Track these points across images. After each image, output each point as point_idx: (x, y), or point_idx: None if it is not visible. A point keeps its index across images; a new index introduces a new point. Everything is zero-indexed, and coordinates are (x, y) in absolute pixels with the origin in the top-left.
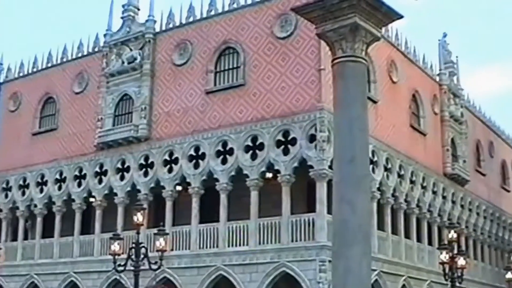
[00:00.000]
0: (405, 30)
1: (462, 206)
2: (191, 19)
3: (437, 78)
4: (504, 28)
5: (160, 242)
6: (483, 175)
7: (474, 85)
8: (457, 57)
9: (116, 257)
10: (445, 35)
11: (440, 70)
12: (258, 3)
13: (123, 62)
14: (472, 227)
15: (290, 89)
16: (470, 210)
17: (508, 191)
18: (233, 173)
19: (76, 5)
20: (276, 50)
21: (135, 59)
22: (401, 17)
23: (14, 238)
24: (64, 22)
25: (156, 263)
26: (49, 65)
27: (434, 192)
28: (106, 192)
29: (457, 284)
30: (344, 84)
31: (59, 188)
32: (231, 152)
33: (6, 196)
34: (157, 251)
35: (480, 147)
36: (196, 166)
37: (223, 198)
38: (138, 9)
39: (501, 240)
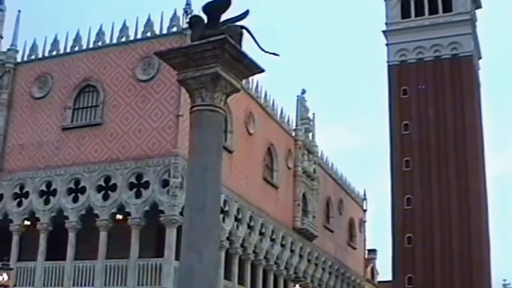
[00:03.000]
0: (266, 83)
1: (309, 260)
2: (54, 53)
3: (293, 133)
4: (358, 87)
5: (3, 277)
6: (331, 231)
7: (329, 141)
8: (314, 114)
9: None
10: (303, 92)
11: (296, 125)
12: (122, 43)
13: None
14: (317, 281)
15: (147, 132)
16: (316, 265)
17: (354, 248)
18: (83, 212)
19: None
20: (137, 92)
21: None
22: (263, 70)
23: None
24: None
25: None
26: None
27: (282, 245)
28: None
29: None
30: (200, 133)
31: None
32: (83, 190)
33: None
34: (0, 286)
35: (330, 204)
36: (47, 202)
37: (71, 236)
38: (1, 37)
39: None
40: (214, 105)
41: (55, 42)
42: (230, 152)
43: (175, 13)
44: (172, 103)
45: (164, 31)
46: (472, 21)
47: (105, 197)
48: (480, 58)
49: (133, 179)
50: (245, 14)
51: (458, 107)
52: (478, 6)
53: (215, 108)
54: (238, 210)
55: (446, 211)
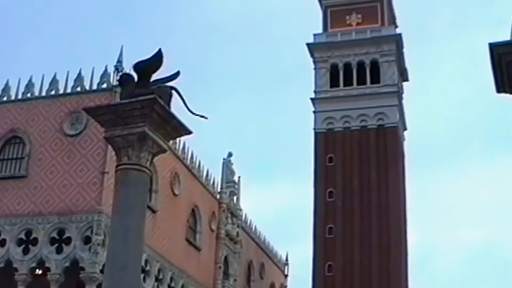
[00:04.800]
0: (192, 144)
1: None
2: None
3: (218, 196)
4: (285, 152)
5: None
6: None
7: (253, 204)
8: (239, 177)
9: None
10: (230, 155)
11: (221, 188)
12: (51, 96)
13: None
14: None
15: (72, 188)
16: None
17: None
18: (2, 265)
19: None
20: (64, 146)
21: None
22: (190, 133)
23: None
24: None
25: None
26: None
27: None
28: None
29: None
30: (125, 191)
31: None
32: (3, 243)
33: None
34: None
35: (251, 268)
36: None
37: None
38: None
39: None
40: (140, 165)
41: None
42: (154, 212)
43: (106, 70)
44: (98, 160)
45: (94, 87)
46: (399, 93)
47: (25, 251)
48: (405, 129)
49: (54, 234)
50: (175, 75)
51: (382, 176)
52: (405, 79)
53: (141, 167)
54: (159, 270)
55: (367, 279)
